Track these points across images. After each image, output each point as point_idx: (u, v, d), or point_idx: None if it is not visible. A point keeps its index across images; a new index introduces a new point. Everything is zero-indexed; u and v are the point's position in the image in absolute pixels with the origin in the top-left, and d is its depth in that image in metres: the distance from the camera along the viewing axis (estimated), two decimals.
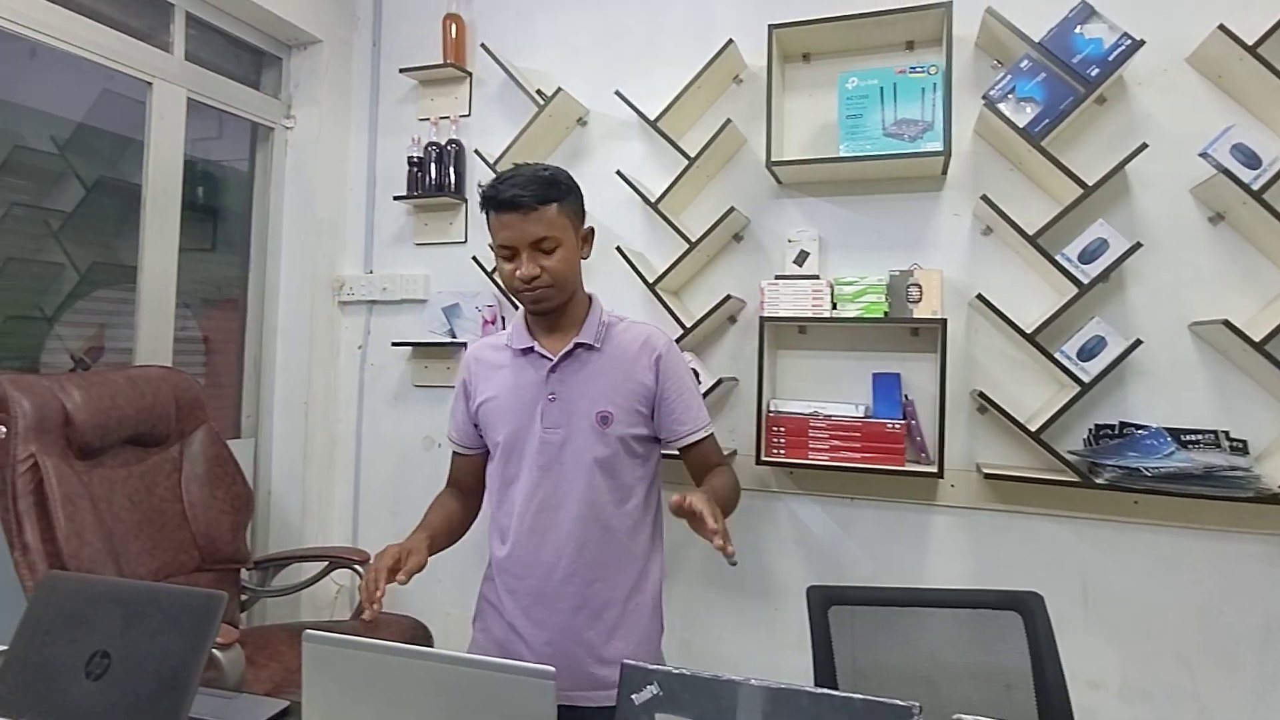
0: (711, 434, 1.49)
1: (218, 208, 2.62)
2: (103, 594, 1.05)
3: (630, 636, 1.42)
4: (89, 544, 1.63)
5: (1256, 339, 1.68)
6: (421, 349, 2.55)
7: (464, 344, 2.48)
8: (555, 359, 1.40)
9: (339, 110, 2.68)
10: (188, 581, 1.87)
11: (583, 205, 1.44)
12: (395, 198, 2.56)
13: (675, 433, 1.45)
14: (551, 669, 0.82)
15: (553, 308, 1.40)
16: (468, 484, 1.55)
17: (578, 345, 1.41)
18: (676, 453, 1.51)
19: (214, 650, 1.39)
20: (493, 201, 1.35)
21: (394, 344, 2.56)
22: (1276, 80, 1.69)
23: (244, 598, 2.10)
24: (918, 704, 0.78)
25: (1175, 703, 1.83)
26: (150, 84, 2.17)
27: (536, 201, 1.32)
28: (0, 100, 2.05)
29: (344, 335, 2.70)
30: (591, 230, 1.46)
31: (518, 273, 1.35)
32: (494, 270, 2.36)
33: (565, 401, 1.40)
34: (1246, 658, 1.79)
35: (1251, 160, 1.73)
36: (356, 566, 2.10)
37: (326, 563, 2.16)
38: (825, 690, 0.82)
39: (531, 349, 1.43)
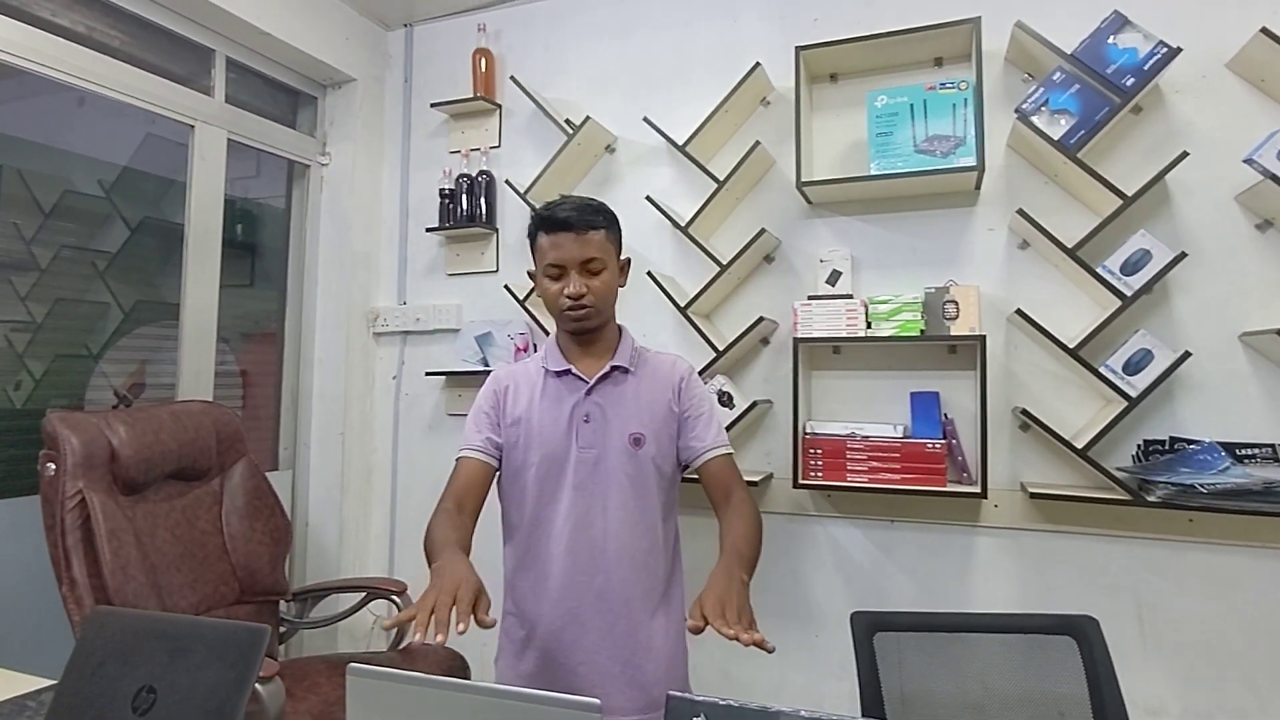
0: (730, 454, 1.50)
1: (256, 244, 2.69)
2: (148, 628, 1.05)
3: (660, 659, 1.44)
4: (133, 578, 1.65)
5: None
6: (455, 378, 2.57)
7: None
8: (591, 381, 1.45)
9: (372, 146, 2.74)
10: (227, 614, 1.88)
11: (621, 238, 1.52)
12: (428, 229, 2.60)
13: (694, 450, 1.48)
14: (596, 701, 0.80)
15: (592, 328, 1.46)
16: (472, 500, 1.43)
17: (614, 368, 1.46)
18: (696, 477, 1.51)
19: (256, 684, 1.39)
20: (547, 222, 1.42)
21: (428, 373, 2.59)
22: None
23: (282, 629, 2.11)
24: None
25: None
26: (192, 127, 2.24)
27: (587, 225, 1.41)
28: (52, 147, 2.14)
29: (379, 366, 2.74)
30: (628, 261, 1.54)
31: (566, 290, 1.40)
32: (526, 297, 2.37)
33: (600, 422, 1.44)
34: None
35: None
36: (394, 597, 2.10)
37: (364, 594, 2.17)
38: None
39: (568, 371, 1.47)
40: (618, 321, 1.54)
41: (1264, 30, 1.69)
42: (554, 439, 1.44)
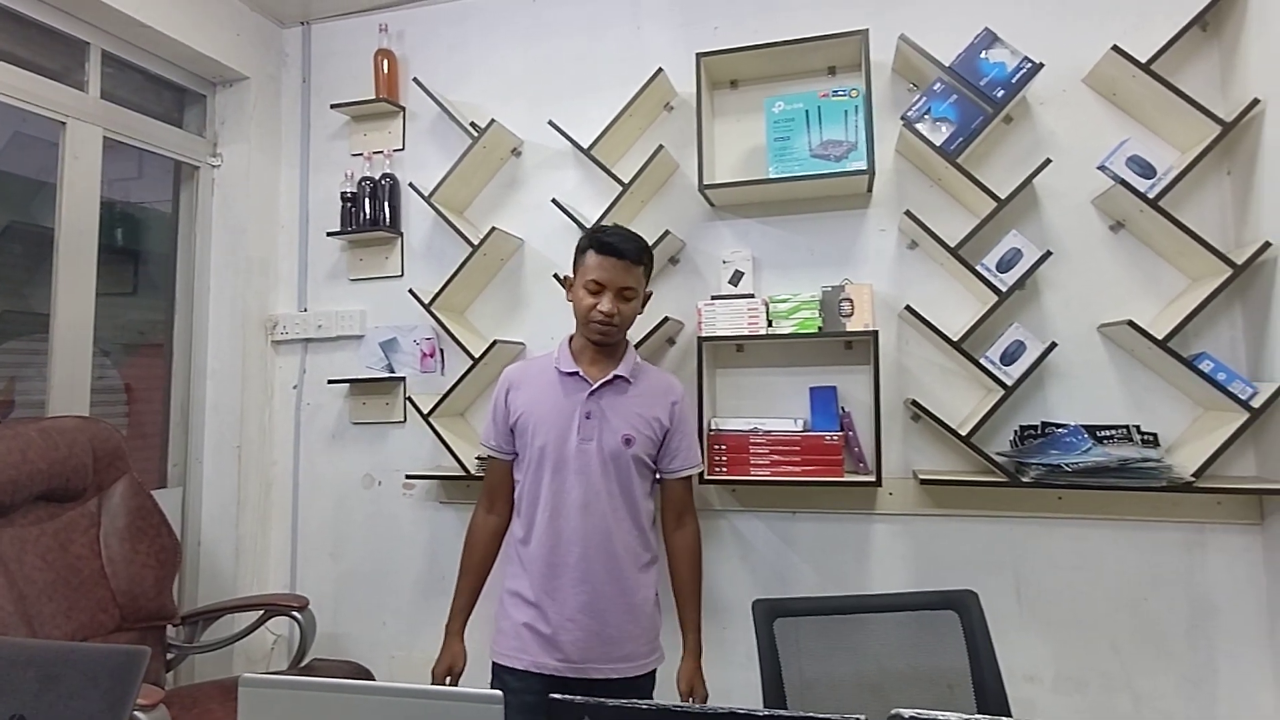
0: (693, 475, 1.77)
1: (139, 250, 2.54)
2: (17, 656, 0.99)
3: (637, 625, 1.67)
4: None
5: (1159, 337, 1.77)
6: (359, 385, 2.50)
7: (402, 378, 2.45)
8: (595, 384, 1.67)
9: (268, 147, 2.64)
10: (107, 642, 1.77)
11: (651, 273, 1.76)
12: (329, 234, 2.53)
13: (668, 466, 1.74)
14: (499, 694, 0.81)
15: (611, 342, 1.70)
16: (502, 490, 1.77)
17: (617, 376, 1.69)
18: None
19: (137, 712, 1.31)
20: (603, 245, 1.65)
21: (330, 381, 2.51)
22: (1168, 94, 1.81)
23: (170, 656, 1.99)
24: (863, 717, 0.77)
25: (1109, 691, 1.89)
26: (64, 124, 2.10)
27: (635, 259, 1.66)
28: None
29: (278, 375, 2.63)
30: (650, 294, 1.77)
31: (600, 306, 1.63)
32: (432, 301, 2.32)
33: (598, 420, 1.66)
34: (1175, 643, 1.87)
35: (1146, 170, 1.85)
36: (295, 614, 2.02)
37: (261, 611, 2.08)
38: (773, 712, 0.81)
39: (576, 373, 1.69)
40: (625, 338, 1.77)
41: (1115, 48, 1.85)
42: (559, 429, 1.66)
